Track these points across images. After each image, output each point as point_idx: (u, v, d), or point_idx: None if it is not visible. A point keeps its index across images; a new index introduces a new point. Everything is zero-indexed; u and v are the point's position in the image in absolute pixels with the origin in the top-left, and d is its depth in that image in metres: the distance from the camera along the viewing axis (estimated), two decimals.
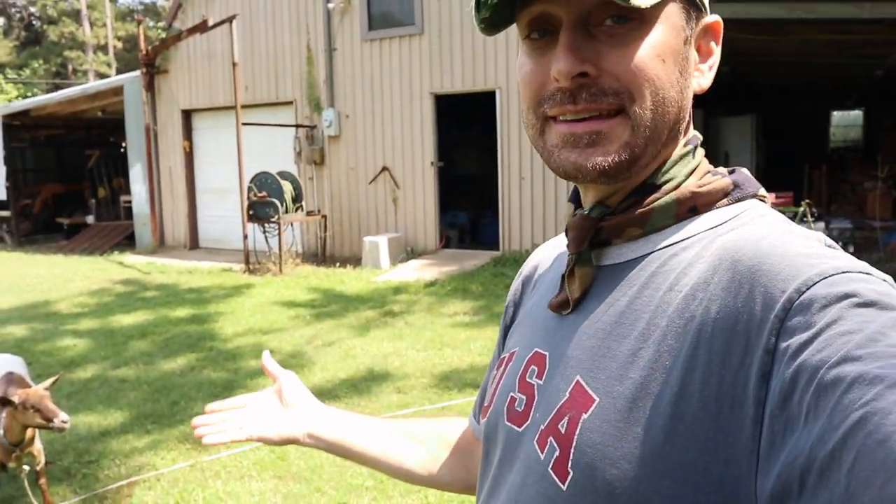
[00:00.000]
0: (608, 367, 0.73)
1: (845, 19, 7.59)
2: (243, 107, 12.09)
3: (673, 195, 0.78)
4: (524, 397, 0.83)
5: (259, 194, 11.36)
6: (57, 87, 39.50)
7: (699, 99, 0.82)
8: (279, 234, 11.42)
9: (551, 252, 1.01)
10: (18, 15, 42.60)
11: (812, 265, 0.63)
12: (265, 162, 12.63)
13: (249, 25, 13.48)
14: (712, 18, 0.81)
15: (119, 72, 38.14)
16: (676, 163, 0.79)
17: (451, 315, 8.18)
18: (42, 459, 3.90)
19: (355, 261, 11.98)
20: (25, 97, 35.66)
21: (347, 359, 6.69)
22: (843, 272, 0.61)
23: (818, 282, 0.61)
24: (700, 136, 0.83)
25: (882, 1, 7.19)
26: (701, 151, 0.82)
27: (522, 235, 11.50)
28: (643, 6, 0.69)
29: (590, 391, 0.74)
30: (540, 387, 0.82)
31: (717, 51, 0.82)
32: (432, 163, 12.14)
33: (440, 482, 1.14)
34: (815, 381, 0.54)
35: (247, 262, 11.81)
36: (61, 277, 12.08)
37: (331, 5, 12.58)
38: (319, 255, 12.67)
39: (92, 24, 40.12)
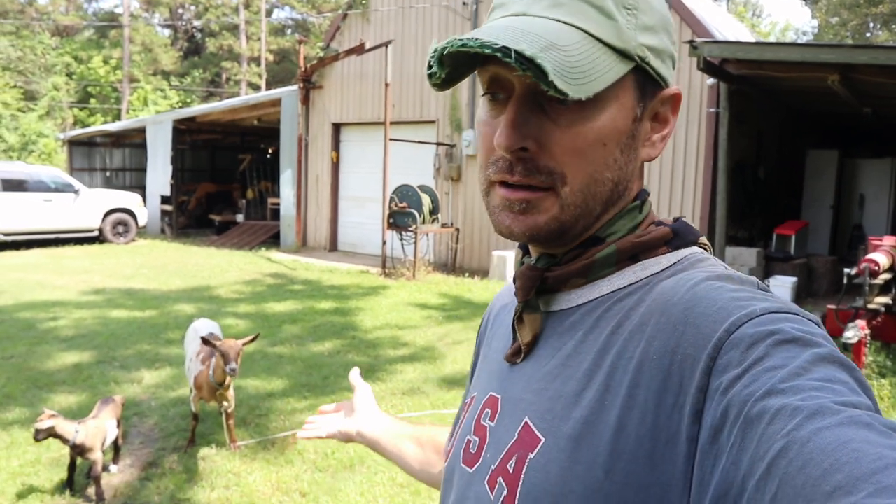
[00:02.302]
0: (554, 408, 0.75)
1: None
2: (390, 123, 13.04)
3: (613, 246, 0.80)
4: (478, 439, 0.85)
5: (400, 204, 12.21)
6: (211, 94, 42.51)
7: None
8: (415, 242, 12.24)
9: (504, 297, 1.04)
10: (184, 27, 46.09)
11: (742, 307, 0.66)
12: (406, 175, 13.62)
13: (400, 49, 14.49)
14: (673, 90, 0.82)
15: (268, 82, 40.64)
16: (622, 217, 0.82)
17: None
18: (233, 404, 4.73)
19: (482, 273, 12.70)
20: (185, 102, 38.62)
21: None
22: (771, 313, 0.64)
23: (746, 322, 0.64)
24: (648, 191, 0.85)
25: None
26: (648, 205, 0.85)
27: None
28: (582, 97, 0.70)
29: (536, 432, 0.75)
30: (492, 429, 0.83)
31: (672, 121, 0.84)
32: None
33: (433, 483, 1.24)
34: (743, 414, 0.57)
35: (384, 265, 12.73)
36: (218, 267, 13.42)
37: None
38: (450, 265, 13.46)
39: (248, 38, 42.90)
